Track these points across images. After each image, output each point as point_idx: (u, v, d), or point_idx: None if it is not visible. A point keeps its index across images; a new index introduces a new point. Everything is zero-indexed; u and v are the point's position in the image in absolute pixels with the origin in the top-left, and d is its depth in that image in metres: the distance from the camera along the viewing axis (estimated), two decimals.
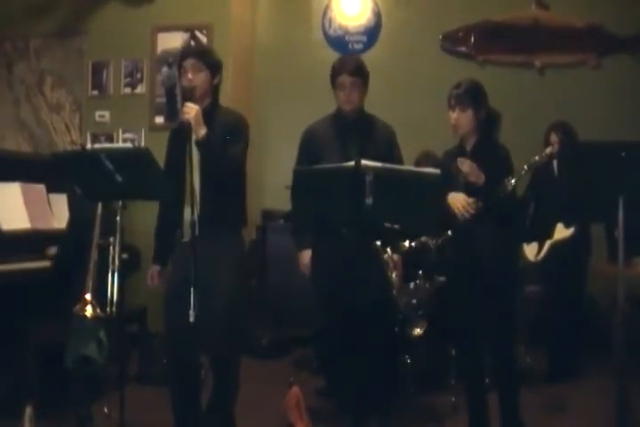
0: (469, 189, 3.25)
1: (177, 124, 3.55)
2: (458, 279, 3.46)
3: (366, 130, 3.61)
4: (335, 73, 3.58)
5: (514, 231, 3.39)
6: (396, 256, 3.81)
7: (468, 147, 3.38)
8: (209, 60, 3.32)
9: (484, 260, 3.26)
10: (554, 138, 4.74)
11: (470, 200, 3.22)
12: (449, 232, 3.52)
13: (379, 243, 3.75)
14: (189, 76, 3.27)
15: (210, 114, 3.19)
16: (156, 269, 3.46)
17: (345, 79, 3.54)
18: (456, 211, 3.23)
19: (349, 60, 3.67)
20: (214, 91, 3.37)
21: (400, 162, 3.65)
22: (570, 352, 4.77)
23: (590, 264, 4.72)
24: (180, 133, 3.36)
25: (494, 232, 3.26)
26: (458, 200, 3.24)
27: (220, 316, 3.20)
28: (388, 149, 3.57)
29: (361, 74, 3.56)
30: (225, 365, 3.33)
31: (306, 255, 3.72)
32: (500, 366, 3.38)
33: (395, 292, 4.09)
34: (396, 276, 4.03)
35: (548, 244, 4.64)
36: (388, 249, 3.99)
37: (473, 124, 3.33)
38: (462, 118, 3.32)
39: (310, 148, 3.66)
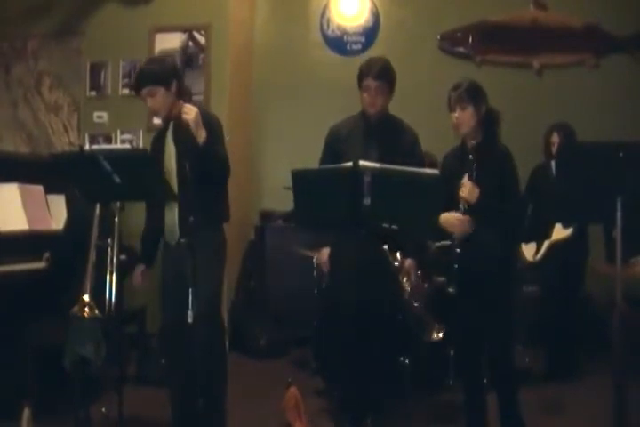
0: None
1: (158, 131, 3.58)
2: (460, 280, 3.47)
3: (390, 132, 3.62)
4: (361, 75, 3.56)
5: (511, 232, 3.39)
6: (409, 261, 3.82)
7: (470, 146, 3.37)
8: (157, 78, 3.32)
9: (482, 260, 3.27)
10: (555, 138, 4.74)
11: (464, 218, 3.21)
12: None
13: (386, 247, 3.76)
14: (149, 103, 3.33)
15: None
16: (141, 268, 3.55)
17: (370, 83, 3.52)
18: (452, 230, 3.23)
19: (376, 63, 3.61)
20: (179, 93, 3.39)
21: (421, 166, 3.65)
22: (568, 352, 4.77)
23: (588, 264, 4.73)
24: (158, 137, 3.43)
25: (491, 233, 3.26)
26: (450, 221, 3.22)
27: (200, 315, 3.20)
28: (411, 153, 3.56)
29: (386, 78, 3.55)
30: (206, 363, 3.32)
31: (324, 253, 3.76)
32: (496, 367, 3.38)
33: (406, 296, 4.11)
34: (407, 280, 4.04)
35: (546, 244, 4.64)
36: (398, 254, 4.01)
37: (474, 122, 3.32)
38: (463, 117, 3.31)
39: (334, 147, 3.67)
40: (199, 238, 3.19)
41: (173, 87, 3.34)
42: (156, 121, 5.99)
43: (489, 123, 3.37)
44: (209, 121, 3.31)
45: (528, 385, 3.92)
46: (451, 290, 3.21)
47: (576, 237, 4.59)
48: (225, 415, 3.39)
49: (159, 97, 3.30)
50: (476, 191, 3.20)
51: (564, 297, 4.73)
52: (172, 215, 3.32)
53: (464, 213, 3.21)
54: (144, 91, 3.32)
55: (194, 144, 3.07)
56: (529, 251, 4.72)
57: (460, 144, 3.43)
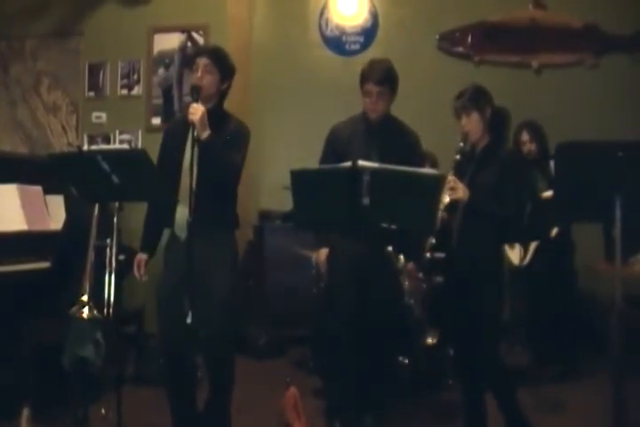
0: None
1: (172, 123, 3.54)
2: (451, 279, 3.48)
3: (391, 135, 3.61)
4: (363, 80, 3.55)
5: (504, 235, 3.41)
6: (410, 265, 3.83)
7: (478, 150, 3.41)
8: (222, 64, 3.30)
9: (472, 260, 3.30)
10: (525, 137, 4.78)
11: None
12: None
13: (390, 248, 3.76)
14: (199, 74, 3.25)
15: (213, 117, 3.16)
16: (143, 257, 3.43)
17: (371, 88, 3.52)
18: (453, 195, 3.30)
19: (377, 67, 3.57)
20: (221, 95, 3.35)
21: (420, 167, 3.65)
22: (567, 352, 4.77)
23: (575, 261, 4.76)
24: (175, 133, 3.37)
25: (485, 234, 3.29)
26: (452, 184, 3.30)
27: (215, 316, 3.20)
28: (412, 155, 3.55)
29: (388, 82, 3.53)
30: (220, 364, 3.33)
31: (323, 252, 3.76)
32: (482, 367, 3.38)
33: (407, 299, 4.11)
34: (409, 282, 4.05)
35: (532, 247, 4.66)
36: (401, 256, 4.01)
37: (481, 126, 3.36)
38: (470, 123, 3.35)
39: (335, 147, 3.67)
40: (213, 241, 3.21)
41: (225, 85, 3.33)
42: (155, 121, 6.02)
43: (497, 123, 3.39)
44: (236, 129, 3.31)
45: (527, 385, 3.92)
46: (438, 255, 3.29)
47: (560, 235, 4.63)
48: (229, 417, 3.39)
49: (211, 78, 3.25)
50: (465, 189, 3.26)
51: (559, 296, 4.75)
52: (184, 210, 3.19)
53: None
54: (201, 61, 3.26)
55: (197, 143, 3.04)
56: (515, 255, 4.72)
57: (470, 147, 3.44)
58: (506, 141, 3.45)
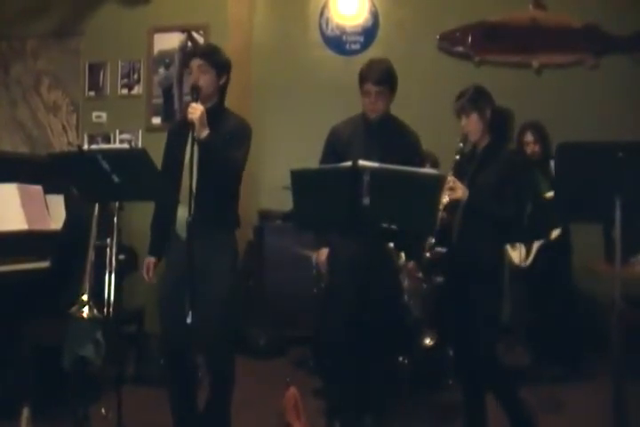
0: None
1: (174, 123, 3.54)
2: (450, 279, 3.48)
3: (391, 134, 3.61)
4: (362, 80, 3.55)
5: (503, 236, 3.41)
6: (411, 264, 3.83)
7: (479, 150, 3.42)
8: (215, 61, 3.30)
9: (472, 260, 3.30)
10: (529, 137, 4.78)
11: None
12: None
13: (392, 245, 3.76)
14: (195, 76, 3.27)
15: (214, 115, 3.16)
16: (151, 260, 3.43)
17: (370, 88, 3.51)
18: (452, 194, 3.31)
19: (376, 67, 3.56)
20: (221, 91, 3.36)
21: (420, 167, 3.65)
22: (568, 352, 4.77)
23: (573, 261, 4.78)
24: (177, 133, 3.37)
25: (485, 234, 3.30)
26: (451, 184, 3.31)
27: (215, 316, 3.20)
28: (411, 156, 3.54)
29: (387, 82, 3.53)
30: (220, 364, 3.33)
31: (323, 253, 3.76)
32: (481, 367, 3.38)
33: (406, 298, 4.11)
34: (409, 282, 4.05)
35: (535, 247, 4.65)
36: (402, 254, 4.01)
37: (481, 127, 3.37)
38: (470, 124, 3.37)
39: (335, 147, 3.67)
40: (214, 241, 3.22)
41: (222, 80, 3.32)
42: (155, 121, 6.02)
43: (498, 124, 3.39)
44: (237, 126, 3.31)
45: (527, 385, 3.92)
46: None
47: (561, 234, 4.64)
48: (229, 417, 3.39)
49: (208, 77, 3.26)
50: (464, 189, 3.27)
51: (560, 295, 4.75)
52: (186, 209, 3.18)
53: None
54: (194, 63, 3.28)
55: (197, 142, 3.05)
56: (517, 255, 4.72)
57: (471, 147, 3.45)
58: (508, 142, 3.44)
